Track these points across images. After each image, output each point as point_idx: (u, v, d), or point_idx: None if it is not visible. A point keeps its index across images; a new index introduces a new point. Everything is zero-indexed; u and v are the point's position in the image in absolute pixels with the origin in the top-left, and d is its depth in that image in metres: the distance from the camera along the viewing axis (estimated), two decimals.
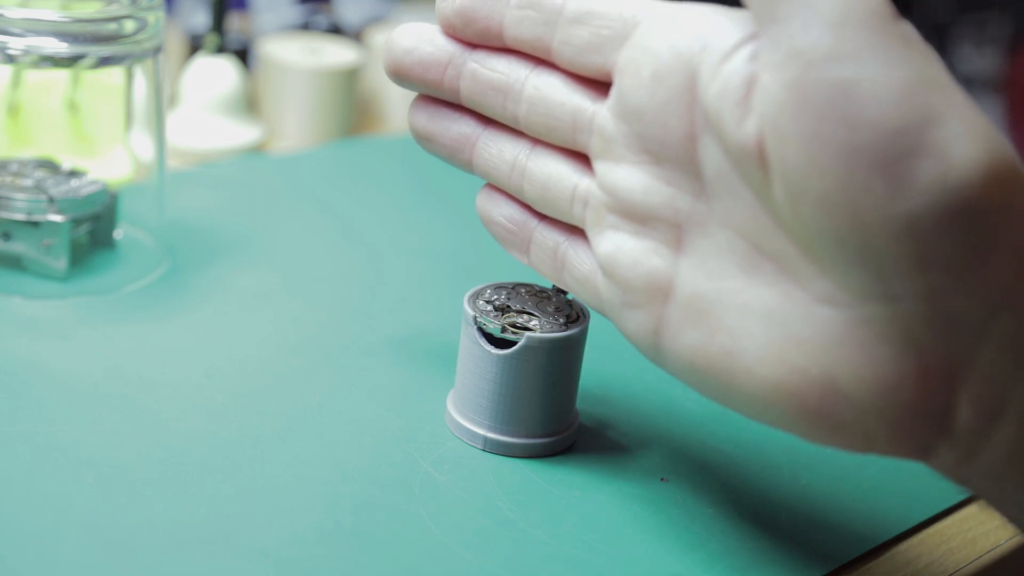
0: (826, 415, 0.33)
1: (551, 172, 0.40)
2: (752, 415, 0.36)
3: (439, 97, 0.42)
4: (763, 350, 0.34)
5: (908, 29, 0.31)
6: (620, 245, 0.38)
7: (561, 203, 0.40)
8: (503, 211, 0.42)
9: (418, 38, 0.41)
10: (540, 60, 0.40)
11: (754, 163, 0.33)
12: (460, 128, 0.42)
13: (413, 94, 0.43)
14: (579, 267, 0.40)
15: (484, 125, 0.42)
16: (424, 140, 0.43)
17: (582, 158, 0.40)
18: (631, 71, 0.36)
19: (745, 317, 0.35)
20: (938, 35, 1.77)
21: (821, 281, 0.33)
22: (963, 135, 0.30)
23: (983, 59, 1.83)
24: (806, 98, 0.31)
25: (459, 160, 0.42)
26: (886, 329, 0.32)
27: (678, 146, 0.36)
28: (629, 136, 0.37)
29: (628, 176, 0.37)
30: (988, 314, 0.31)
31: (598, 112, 0.38)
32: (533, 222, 0.42)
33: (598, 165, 0.38)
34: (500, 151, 0.41)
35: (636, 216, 0.37)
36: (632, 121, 0.37)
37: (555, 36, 0.39)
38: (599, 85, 0.39)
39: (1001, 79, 1.77)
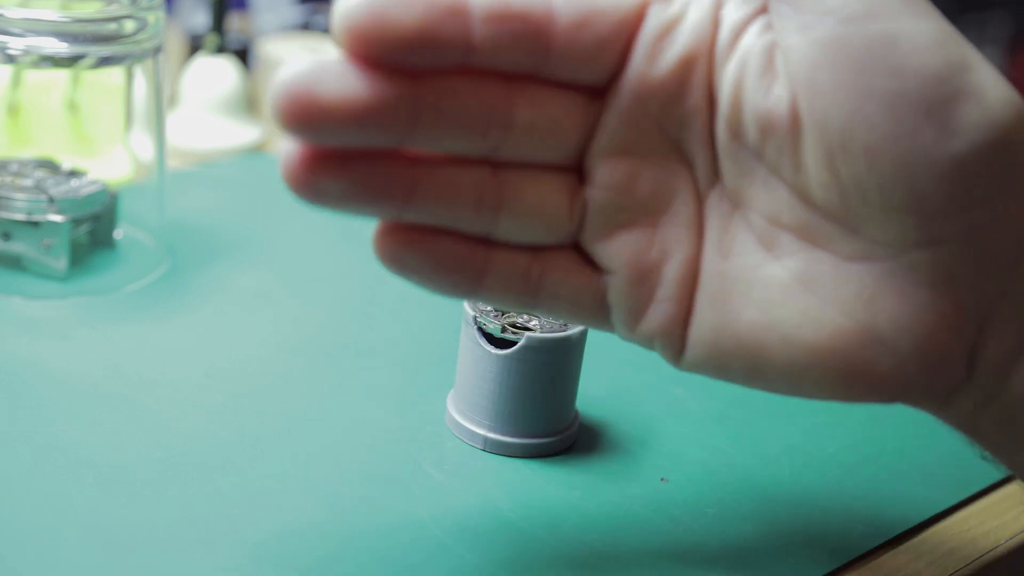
0: (867, 369, 0.34)
1: (539, 194, 0.35)
2: (784, 387, 0.35)
3: (366, 147, 0.33)
4: (800, 316, 0.34)
5: None
6: (641, 242, 0.36)
7: (553, 223, 0.36)
8: (443, 246, 0.35)
9: (335, 78, 0.31)
10: (518, 76, 0.34)
11: (784, 129, 0.33)
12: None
13: None
14: (567, 282, 0.36)
15: (413, 175, 0.34)
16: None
17: (563, 170, 0.36)
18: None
19: (773, 289, 0.35)
20: None
21: (851, 240, 0.33)
22: (992, 80, 0.32)
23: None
24: (846, 53, 0.31)
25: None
26: (925, 274, 0.32)
27: (693, 132, 0.35)
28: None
29: (637, 172, 0.36)
30: (1020, 248, 0.33)
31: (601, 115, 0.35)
32: (481, 252, 0.35)
33: (603, 166, 0.36)
34: (456, 191, 0.34)
35: (652, 209, 0.36)
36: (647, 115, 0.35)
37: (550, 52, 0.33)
38: (590, 89, 0.35)
39: None
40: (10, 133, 0.60)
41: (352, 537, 0.39)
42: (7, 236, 0.53)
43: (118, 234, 0.57)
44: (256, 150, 0.71)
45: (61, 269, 0.53)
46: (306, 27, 0.83)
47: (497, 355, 0.43)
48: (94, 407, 0.44)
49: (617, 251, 0.36)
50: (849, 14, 0.32)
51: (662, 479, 0.44)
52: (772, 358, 0.35)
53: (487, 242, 0.35)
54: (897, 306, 0.33)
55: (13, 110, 0.59)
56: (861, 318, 0.33)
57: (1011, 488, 0.47)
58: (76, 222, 0.53)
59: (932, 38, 0.31)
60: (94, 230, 0.56)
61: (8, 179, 0.53)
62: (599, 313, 0.37)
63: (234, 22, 0.87)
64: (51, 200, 0.52)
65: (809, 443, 0.48)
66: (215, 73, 0.70)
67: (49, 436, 0.42)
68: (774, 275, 0.35)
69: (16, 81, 0.59)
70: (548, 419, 0.44)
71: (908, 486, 0.46)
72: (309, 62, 0.31)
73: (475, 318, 0.43)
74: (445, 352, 0.50)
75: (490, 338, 0.43)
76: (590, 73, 0.34)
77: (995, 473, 0.47)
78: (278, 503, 0.40)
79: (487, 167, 0.34)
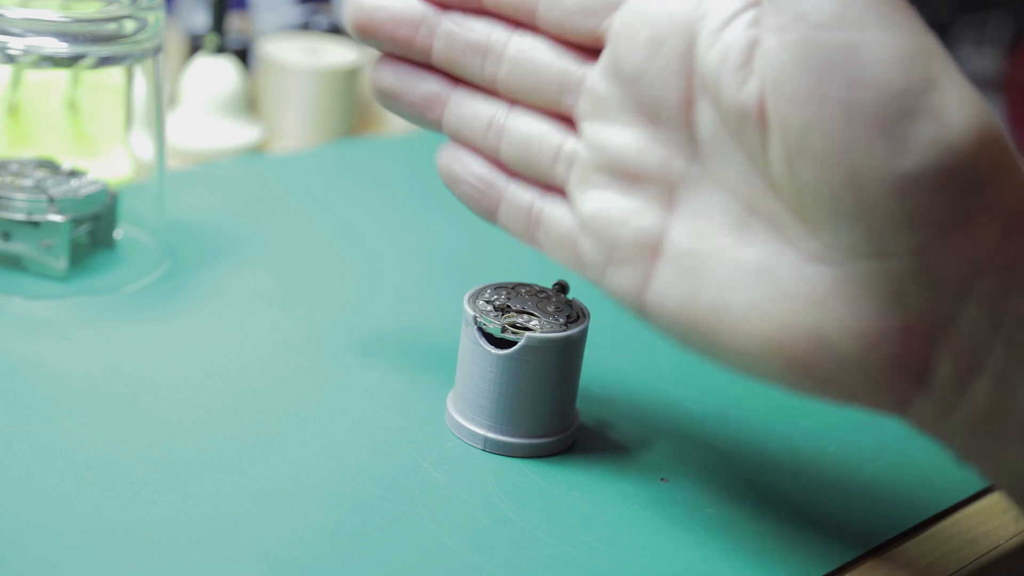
0: (812, 368, 0.34)
1: (532, 131, 0.40)
2: (739, 369, 0.37)
3: (407, 56, 0.41)
4: (752, 306, 0.35)
5: (906, 1, 0.33)
6: (608, 204, 0.38)
7: (542, 162, 0.40)
8: (472, 169, 0.42)
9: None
10: (519, 23, 0.40)
11: (753, 124, 0.34)
12: (429, 86, 0.41)
13: None
14: (557, 226, 0.40)
15: (454, 84, 0.41)
16: (389, 99, 0.42)
17: (564, 118, 0.40)
18: (627, 36, 0.37)
19: (735, 274, 0.35)
20: (938, 35, 1.77)
21: (811, 240, 0.34)
22: (958, 100, 0.31)
23: (983, 59, 1.83)
24: (810, 59, 0.32)
25: (428, 119, 0.42)
26: (874, 286, 0.33)
27: (674, 109, 0.36)
28: (623, 99, 0.37)
29: (621, 137, 0.38)
30: (972, 273, 0.32)
31: (588, 75, 0.38)
32: (503, 180, 0.41)
33: (587, 125, 0.38)
34: (475, 110, 0.41)
35: (627, 175, 0.38)
36: (627, 84, 0.37)
37: (541, 1, 0.39)
38: (583, 48, 0.39)
39: (1001, 79, 1.77)
40: (10, 133, 0.60)
41: (352, 537, 0.39)
42: (7, 236, 0.53)
43: (118, 234, 0.57)
44: (256, 150, 0.71)
45: (61, 269, 0.53)
46: (306, 27, 0.83)
47: (497, 355, 0.43)
48: (94, 407, 0.44)
49: (588, 207, 0.39)
50: (820, 20, 0.32)
51: (662, 479, 0.44)
52: (726, 341, 0.36)
53: (508, 173, 0.41)
54: (844, 313, 0.33)
55: (13, 110, 0.59)
56: (811, 319, 0.34)
57: None
58: (76, 222, 0.53)
59: (897, 52, 0.31)
60: (94, 230, 0.56)
61: (8, 179, 0.53)
62: (578, 262, 0.40)
63: (234, 22, 0.87)
64: (51, 200, 0.52)
65: (809, 443, 0.48)
66: (215, 73, 0.70)
67: (49, 436, 0.42)
68: (738, 261, 0.36)
69: (16, 81, 0.59)
70: (548, 419, 0.44)
71: (908, 486, 0.46)
72: None
73: (475, 318, 0.43)
74: (445, 352, 0.50)
75: (490, 338, 0.43)
76: (574, 32, 0.38)
77: None
78: (278, 503, 0.40)
79: (503, 101, 0.41)
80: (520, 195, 0.41)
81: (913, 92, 0.31)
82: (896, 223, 0.32)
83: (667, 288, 0.37)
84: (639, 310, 0.38)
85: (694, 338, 0.37)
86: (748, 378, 0.37)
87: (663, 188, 0.37)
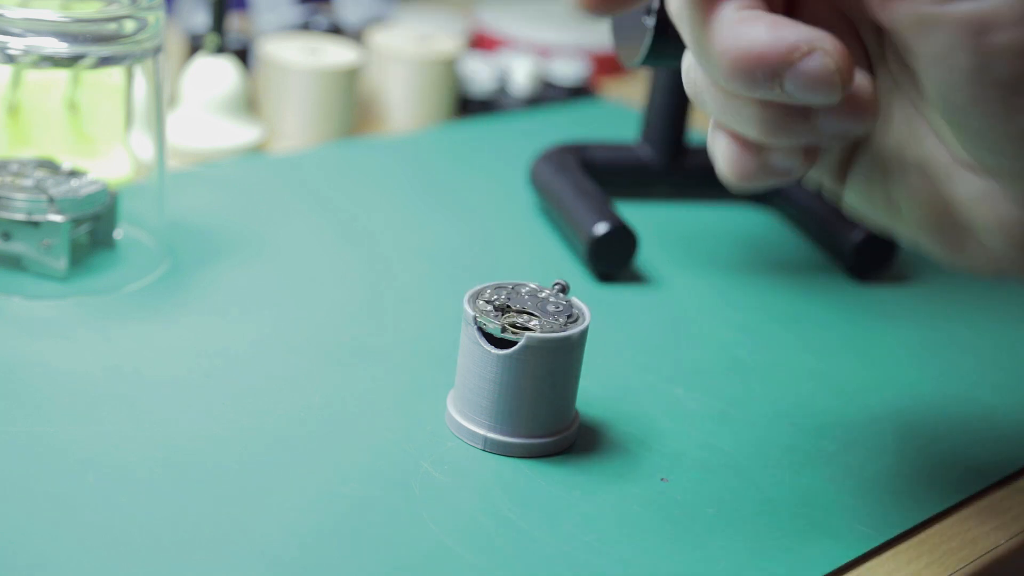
0: (963, 252, 0.40)
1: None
2: (910, 244, 0.41)
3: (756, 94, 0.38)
4: (918, 193, 0.39)
5: None
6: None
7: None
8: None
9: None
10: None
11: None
12: None
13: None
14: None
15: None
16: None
17: None
18: None
19: (909, 168, 0.40)
20: None
21: (962, 152, 0.38)
22: None
23: None
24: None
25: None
26: (1013, 193, 0.38)
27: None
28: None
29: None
30: None
31: None
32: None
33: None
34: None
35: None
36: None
37: None
38: None
39: None
40: (10, 133, 0.60)
41: (352, 537, 0.39)
42: (7, 236, 0.53)
43: (118, 234, 0.57)
44: (256, 150, 0.71)
45: (61, 269, 0.53)
46: (306, 27, 0.83)
47: (497, 355, 0.43)
48: (94, 407, 0.44)
49: None
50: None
51: (662, 479, 0.44)
52: (895, 224, 0.41)
53: None
54: (991, 214, 0.38)
55: (13, 110, 0.59)
56: (959, 214, 0.39)
57: (1011, 488, 0.47)
58: (76, 222, 0.53)
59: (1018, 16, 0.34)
60: (94, 230, 0.56)
61: (8, 179, 0.53)
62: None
63: (234, 22, 0.87)
64: (51, 200, 0.52)
65: (809, 443, 0.48)
66: (215, 73, 0.70)
67: (49, 436, 0.42)
68: (906, 155, 0.40)
69: (16, 81, 0.59)
70: (548, 419, 0.44)
71: (908, 486, 0.46)
72: None
73: (475, 318, 0.43)
74: (445, 352, 0.50)
75: (490, 338, 0.43)
76: None
77: (995, 473, 0.47)
78: (277, 503, 0.40)
79: None
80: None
81: None
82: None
83: (862, 172, 0.41)
84: (839, 186, 0.42)
85: (876, 216, 0.42)
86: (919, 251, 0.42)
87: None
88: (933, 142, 0.39)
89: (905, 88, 0.39)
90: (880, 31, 0.39)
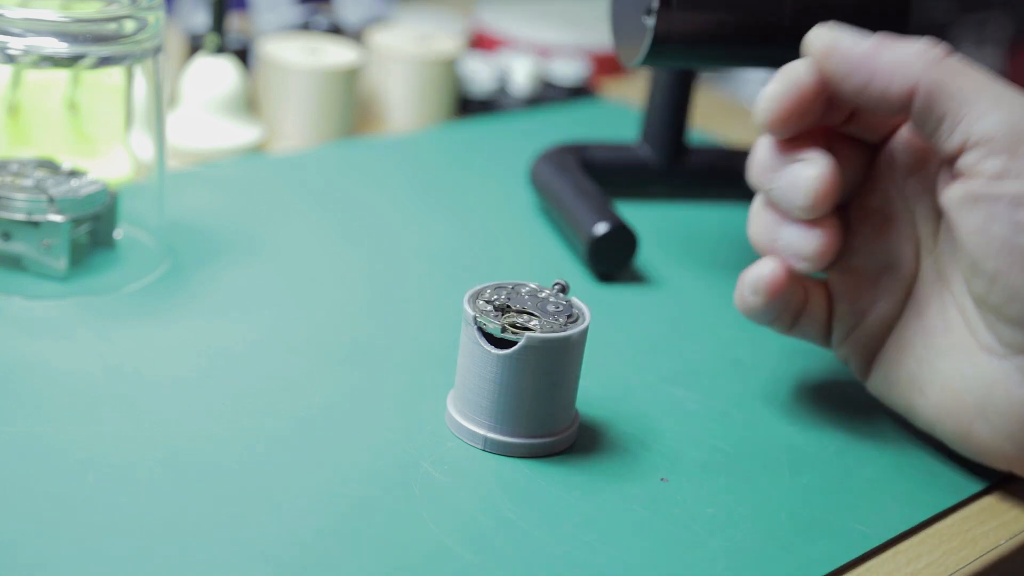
0: (973, 436, 0.44)
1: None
2: (922, 427, 0.47)
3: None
4: (935, 376, 0.45)
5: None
6: (862, 285, 0.48)
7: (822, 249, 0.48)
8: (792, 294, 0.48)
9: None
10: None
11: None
12: None
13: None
14: (819, 301, 0.48)
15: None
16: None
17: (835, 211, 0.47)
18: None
19: (929, 350, 0.46)
20: (938, 35, 1.77)
21: (986, 334, 0.43)
22: None
23: (983, 59, 1.83)
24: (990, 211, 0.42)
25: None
26: None
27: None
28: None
29: (879, 230, 0.48)
30: None
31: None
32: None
33: (856, 216, 0.48)
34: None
35: (879, 263, 0.47)
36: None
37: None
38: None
39: (1001, 79, 1.77)
40: (10, 133, 0.60)
41: (352, 537, 0.39)
42: (7, 236, 0.53)
43: (118, 234, 0.57)
44: (256, 150, 0.71)
45: (61, 269, 0.53)
46: (306, 27, 0.83)
47: (497, 355, 0.43)
48: (94, 407, 0.44)
49: (847, 286, 0.48)
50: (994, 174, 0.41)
51: (662, 479, 0.44)
52: (915, 402, 0.46)
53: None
54: (1004, 396, 0.43)
55: (13, 110, 0.59)
56: (977, 397, 0.44)
57: (1011, 488, 0.47)
58: (76, 222, 0.53)
59: None
60: (94, 230, 0.56)
61: (8, 179, 0.53)
62: (824, 330, 0.49)
63: (234, 22, 0.87)
64: (51, 200, 0.52)
65: (809, 443, 0.48)
66: (215, 73, 0.70)
67: (49, 436, 0.42)
68: (935, 341, 0.45)
69: (16, 81, 0.59)
70: (548, 419, 0.44)
71: (908, 486, 0.46)
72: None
73: (475, 318, 0.43)
74: (445, 352, 0.50)
75: (490, 338, 0.43)
76: (871, 134, 0.47)
77: (995, 473, 0.47)
78: (277, 503, 0.40)
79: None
80: (796, 293, 0.48)
81: None
82: None
83: (887, 357, 0.47)
84: (864, 373, 0.49)
85: (898, 401, 0.47)
86: (930, 434, 0.47)
87: (907, 276, 0.47)
88: (961, 329, 0.44)
89: (945, 275, 0.45)
90: (935, 220, 0.45)
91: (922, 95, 0.42)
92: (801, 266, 0.46)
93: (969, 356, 0.44)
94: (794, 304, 0.47)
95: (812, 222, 0.46)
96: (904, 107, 0.43)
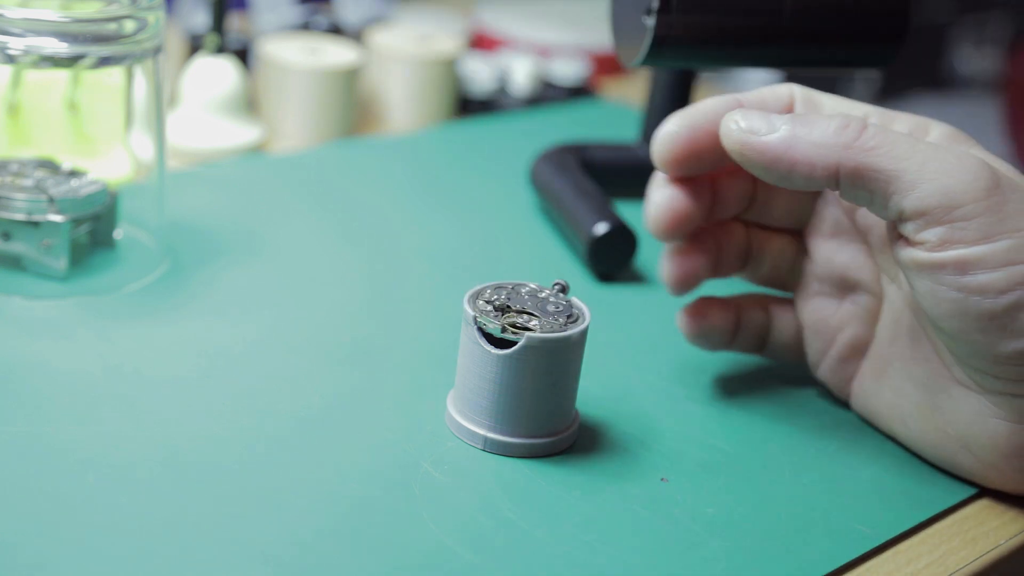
0: (959, 466, 0.46)
1: (774, 248, 0.50)
2: (916, 452, 0.47)
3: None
4: (915, 408, 0.46)
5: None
6: (827, 309, 0.49)
7: (782, 271, 0.50)
8: (720, 319, 0.50)
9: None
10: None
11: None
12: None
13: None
14: (786, 323, 0.50)
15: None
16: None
17: (792, 235, 0.50)
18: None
19: (906, 380, 0.46)
20: (938, 35, 1.77)
21: (959, 371, 0.44)
22: None
23: (983, 59, 1.83)
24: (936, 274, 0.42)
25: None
26: (1007, 412, 0.43)
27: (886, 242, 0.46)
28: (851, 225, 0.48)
29: (838, 254, 0.48)
30: None
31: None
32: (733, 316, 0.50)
33: (815, 243, 0.49)
34: (730, 236, 0.50)
35: (842, 286, 0.48)
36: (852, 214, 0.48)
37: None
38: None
39: (1001, 79, 1.77)
40: (10, 133, 0.60)
41: (352, 537, 0.39)
42: (7, 236, 0.53)
43: (118, 234, 0.57)
44: (256, 150, 0.71)
45: (61, 269, 0.53)
46: (306, 27, 0.83)
47: (497, 355, 0.43)
48: (94, 407, 0.44)
49: (812, 311, 0.49)
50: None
51: (662, 479, 0.44)
52: (897, 431, 0.47)
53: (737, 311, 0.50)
54: (982, 428, 0.44)
55: (13, 110, 0.59)
56: (959, 428, 0.44)
57: None
58: (76, 222, 0.53)
59: (999, 262, 0.40)
60: (94, 230, 0.56)
61: (8, 179, 0.53)
62: (799, 354, 0.50)
63: (234, 22, 0.87)
64: (51, 200, 0.52)
65: (809, 443, 0.48)
66: (215, 73, 0.70)
67: (49, 436, 0.42)
68: (911, 371, 0.46)
69: (16, 81, 0.59)
70: (548, 419, 0.44)
71: (908, 486, 0.46)
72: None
73: (475, 318, 0.43)
74: (445, 352, 0.50)
75: (490, 338, 0.43)
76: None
77: None
78: (277, 503, 0.40)
79: (744, 227, 0.50)
80: (752, 319, 0.50)
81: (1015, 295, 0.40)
82: (1015, 376, 0.42)
83: (864, 381, 0.48)
84: (844, 395, 0.49)
85: (881, 424, 0.48)
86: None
87: (871, 299, 0.47)
88: (935, 361, 0.45)
89: (915, 308, 0.45)
90: (891, 248, 0.44)
91: (845, 178, 0.42)
92: (668, 290, 0.49)
93: (946, 388, 0.44)
94: (720, 325, 0.49)
95: (669, 249, 0.48)
96: (832, 185, 0.42)
